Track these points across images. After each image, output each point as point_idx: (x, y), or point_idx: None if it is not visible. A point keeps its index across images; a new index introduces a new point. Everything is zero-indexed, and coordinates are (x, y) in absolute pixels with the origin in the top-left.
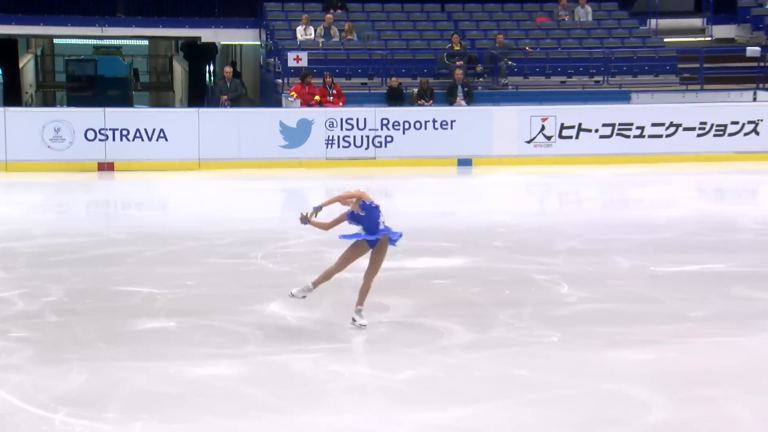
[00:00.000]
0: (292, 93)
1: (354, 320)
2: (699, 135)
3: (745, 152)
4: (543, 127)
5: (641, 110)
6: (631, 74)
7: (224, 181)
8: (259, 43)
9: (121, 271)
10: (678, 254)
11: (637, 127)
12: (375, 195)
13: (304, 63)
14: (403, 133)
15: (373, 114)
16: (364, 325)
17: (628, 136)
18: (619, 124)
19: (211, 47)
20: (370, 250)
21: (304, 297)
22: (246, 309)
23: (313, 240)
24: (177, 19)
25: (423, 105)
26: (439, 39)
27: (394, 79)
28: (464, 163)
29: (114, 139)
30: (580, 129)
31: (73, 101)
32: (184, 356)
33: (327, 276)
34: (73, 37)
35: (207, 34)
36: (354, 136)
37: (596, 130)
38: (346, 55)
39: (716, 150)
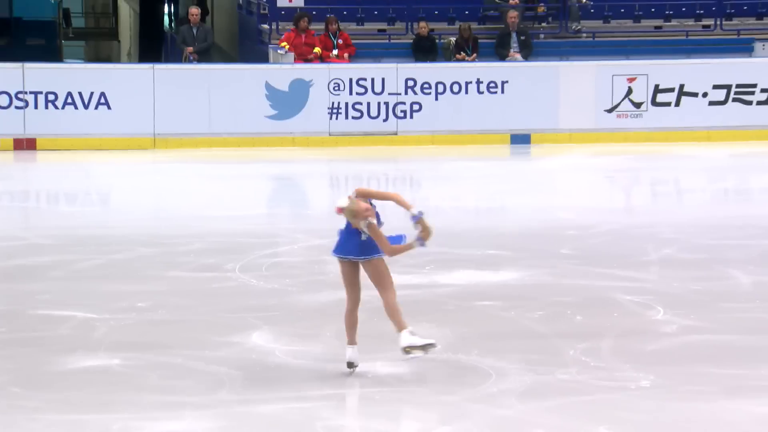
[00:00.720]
0: (284, 44)
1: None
2: None
3: None
4: (630, 91)
5: None
6: (754, 16)
7: (189, 165)
8: None
9: (46, 288)
10: None
11: (763, 90)
12: (397, 184)
13: (299, 2)
14: (436, 98)
15: (394, 73)
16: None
17: (749, 103)
18: (737, 86)
19: None
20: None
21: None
22: (220, 341)
23: (311, 246)
24: None
25: (463, 60)
26: None
27: (423, 24)
28: (520, 140)
29: (36, 107)
30: (681, 93)
31: None
32: (133, 407)
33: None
34: None
35: None
36: (368, 104)
37: (704, 95)
38: None
39: None
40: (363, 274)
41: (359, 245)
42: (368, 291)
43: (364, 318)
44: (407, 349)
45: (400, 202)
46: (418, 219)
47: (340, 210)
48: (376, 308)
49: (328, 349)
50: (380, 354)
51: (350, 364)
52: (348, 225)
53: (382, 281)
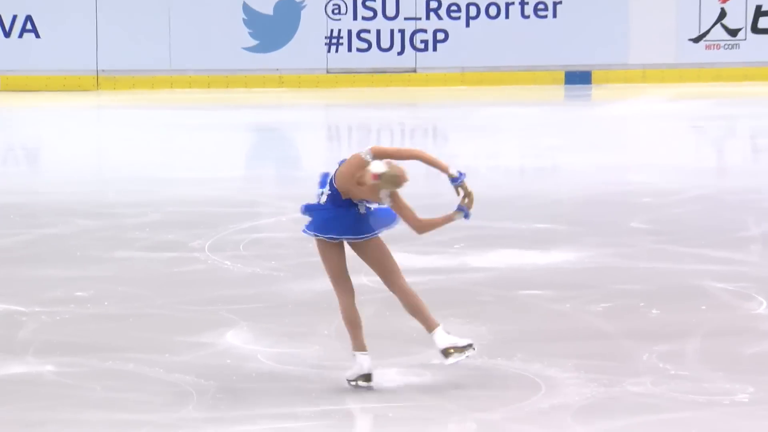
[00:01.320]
0: None
1: (448, 354)
2: None
3: None
4: (723, 14)
5: None
6: None
7: (143, 111)
8: None
9: None
10: None
11: None
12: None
13: None
14: (466, 25)
15: None
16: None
17: None
18: None
19: None
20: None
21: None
22: (184, 342)
23: (302, 219)
24: None
25: None
26: None
27: None
28: (577, 79)
29: None
30: None
31: None
32: (71, 428)
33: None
34: None
35: None
36: (378, 32)
37: None
38: None
39: None
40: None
41: (356, 221)
42: (356, 278)
43: (370, 313)
44: (449, 351)
45: (432, 163)
46: (459, 182)
47: (377, 177)
48: (385, 299)
49: (324, 352)
50: (394, 358)
51: (367, 378)
52: (334, 196)
53: (387, 263)
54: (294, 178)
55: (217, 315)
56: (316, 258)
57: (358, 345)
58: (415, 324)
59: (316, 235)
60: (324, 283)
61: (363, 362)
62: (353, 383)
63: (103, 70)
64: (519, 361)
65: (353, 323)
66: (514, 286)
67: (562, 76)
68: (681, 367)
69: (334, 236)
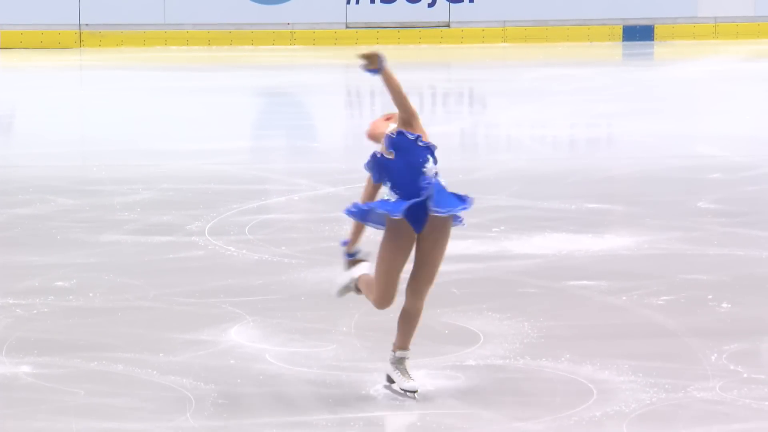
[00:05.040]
0: None
1: (390, 380)
2: None
3: None
4: None
5: None
6: None
7: (133, 72)
8: None
9: None
10: None
11: None
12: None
13: None
14: None
15: None
16: (410, 392)
17: None
18: None
19: None
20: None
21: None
22: (181, 340)
23: (318, 197)
24: None
25: None
26: None
27: None
28: (638, 34)
29: None
30: None
31: None
32: None
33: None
34: None
35: None
36: None
37: None
38: None
39: None
40: None
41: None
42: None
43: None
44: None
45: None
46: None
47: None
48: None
49: (343, 352)
50: (423, 359)
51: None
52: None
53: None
54: (308, 150)
55: (219, 309)
56: (333, 243)
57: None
58: (447, 320)
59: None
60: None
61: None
62: (413, 395)
63: (86, 25)
64: (567, 363)
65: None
66: (562, 276)
67: (620, 31)
68: (755, 370)
69: (441, 209)
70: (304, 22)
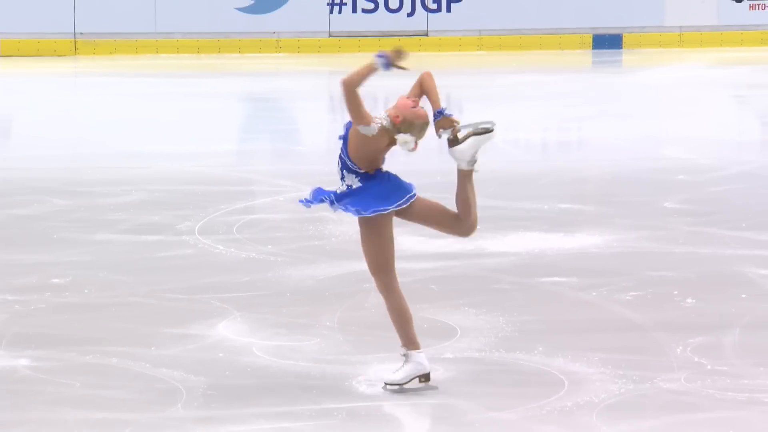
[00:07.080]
0: None
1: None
2: None
3: None
4: None
5: None
6: None
7: (125, 79)
8: None
9: None
10: None
11: None
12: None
13: None
14: None
15: None
16: (394, 385)
17: None
18: None
19: None
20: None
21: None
22: (171, 334)
23: (300, 197)
24: None
25: None
26: None
27: None
28: (607, 42)
29: None
30: None
31: None
32: (47, 426)
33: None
34: None
35: None
36: None
37: None
38: None
39: None
40: None
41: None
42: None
43: (372, 303)
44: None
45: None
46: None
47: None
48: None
49: (326, 345)
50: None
51: (427, 377)
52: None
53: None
54: (292, 153)
55: (207, 304)
56: (318, 241)
57: (412, 342)
58: (424, 315)
59: (398, 206)
60: (326, 270)
61: (422, 360)
62: (394, 387)
63: (81, 33)
64: (540, 355)
65: (408, 318)
66: (535, 273)
67: (590, 39)
68: (718, 362)
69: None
70: (289, 31)
